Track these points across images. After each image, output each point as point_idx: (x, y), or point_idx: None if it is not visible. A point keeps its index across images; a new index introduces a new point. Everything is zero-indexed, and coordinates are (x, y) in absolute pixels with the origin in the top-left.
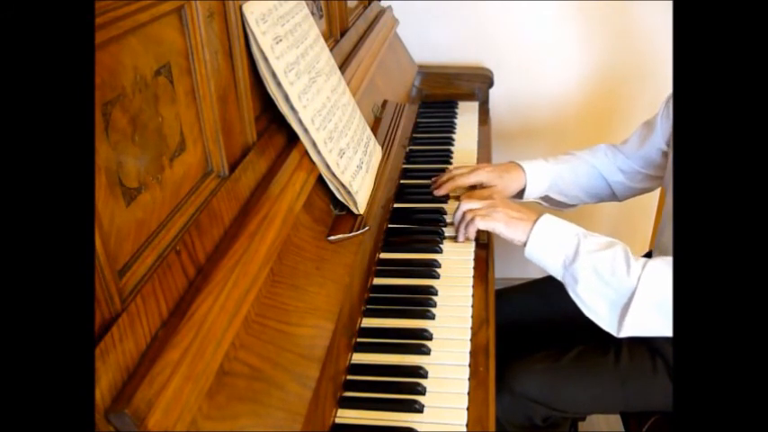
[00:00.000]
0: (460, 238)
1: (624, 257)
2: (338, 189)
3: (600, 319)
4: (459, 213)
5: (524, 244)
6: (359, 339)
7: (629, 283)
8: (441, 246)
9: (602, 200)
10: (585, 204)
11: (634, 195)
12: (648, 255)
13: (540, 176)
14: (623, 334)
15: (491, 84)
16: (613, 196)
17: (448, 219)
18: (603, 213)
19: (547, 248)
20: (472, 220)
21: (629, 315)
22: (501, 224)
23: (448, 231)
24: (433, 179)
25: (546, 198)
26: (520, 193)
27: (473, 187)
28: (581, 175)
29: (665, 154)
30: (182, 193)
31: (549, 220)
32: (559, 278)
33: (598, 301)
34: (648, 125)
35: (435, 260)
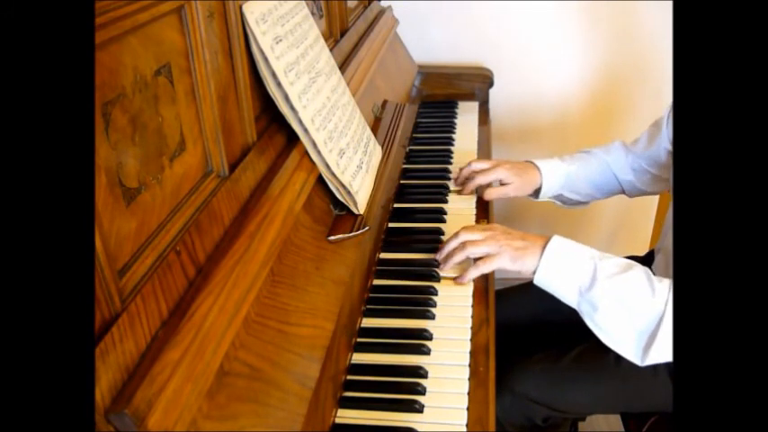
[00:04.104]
0: (448, 266)
1: (647, 280)
2: (338, 189)
3: (622, 347)
4: (456, 241)
5: (533, 272)
6: (359, 339)
7: (656, 308)
8: (440, 251)
9: (612, 195)
10: (596, 200)
11: (642, 195)
12: (650, 254)
13: (556, 176)
14: (648, 362)
15: (491, 84)
16: (622, 191)
17: (448, 219)
18: (604, 213)
19: (559, 275)
20: (476, 265)
21: (656, 342)
22: (506, 260)
23: (448, 236)
24: (454, 177)
25: (559, 196)
26: (536, 193)
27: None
28: (594, 173)
29: (670, 153)
30: (182, 194)
31: (560, 245)
32: (573, 306)
33: (621, 329)
34: (656, 125)
35: (435, 260)
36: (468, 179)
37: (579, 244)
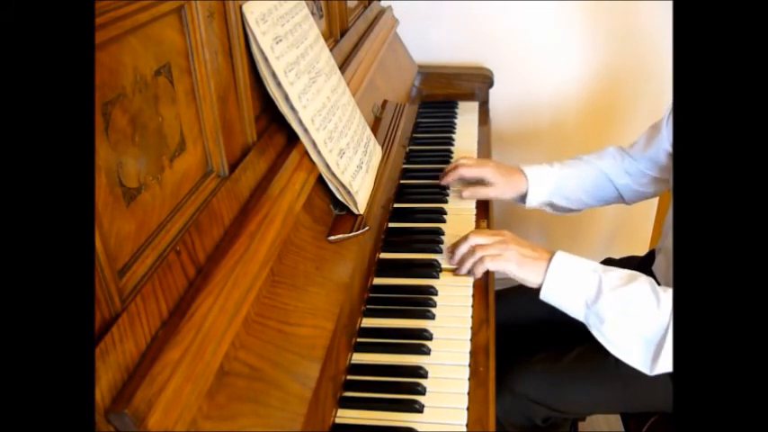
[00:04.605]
0: (463, 271)
1: (651, 290)
2: (338, 189)
3: (630, 357)
4: (465, 246)
5: (539, 286)
6: (359, 339)
7: (662, 318)
8: (441, 246)
9: (608, 203)
10: (591, 207)
11: (642, 199)
12: (650, 254)
13: (543, 183)
14: (657, 371)
15: (491, 84)
16: (621, 199)
17: (447, 219)
18: (603, 214)
19: (565, 289)
20: (481, 259)
21: (664, 351)
22: (513, 265)
23: (448, 237)
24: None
25: (549, 204)
26: (521, 199)
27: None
28: (587, 180)
29: (670, 155)
30: (182, 193)
31: (564, 259)
32: (580, 318)
33: (628, 340)
34: (655, 127)
35: (435, 260)
36: (453, 170)
37: (582, 258)
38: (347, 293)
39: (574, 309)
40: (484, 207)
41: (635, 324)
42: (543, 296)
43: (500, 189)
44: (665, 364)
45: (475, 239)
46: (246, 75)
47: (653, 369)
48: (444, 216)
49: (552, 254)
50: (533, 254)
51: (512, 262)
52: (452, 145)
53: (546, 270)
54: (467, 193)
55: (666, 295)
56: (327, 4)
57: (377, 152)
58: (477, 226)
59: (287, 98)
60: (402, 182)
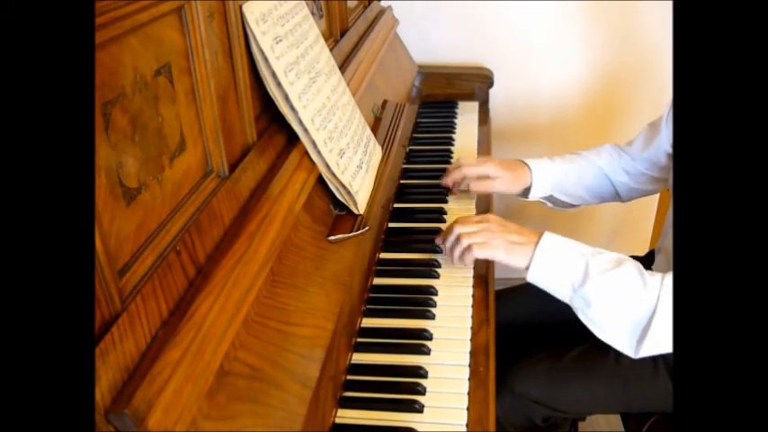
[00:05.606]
0: (454, 261)
1: (638, 274)
2: (338, 189)
3: (616, 340)
4: (452, 237)
5: (527, 268)
6: (359, 339)
7: (649, 302)
8: (441, 246)
9: (605, 200)
10: (588, 204)
11: (638, 197)
12: (650, 254)
13: (546, 176)
14: (641, 354)
15: (491, 84)
16: (617, 197)
17: (448, 219)
18: (604, 213)
19: (553, 272)
20: (469, 248)
21: (649, 335)
22: (501, 251)
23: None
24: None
25: (550, 198)
26: (525, 192)
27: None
28: (586, 176)
29: (670, 156)
30: (182, 193)
31: (551, 241)
32: (567, 301)
33: (614, 323)
34: (653, 127)
35: (435, 260)
36: (455, 169)
37: (571, 240)
38: (347, 293)
39: (560, 291)
40: (484, 207)
41: (621, 307)
42: (530, 278)
43: (505, 182)
44: (649, 348)
45: (459, 228)
46: (246, 75)
47: (637, 352)
48: (444, 216)
49: (540, 236)
50: (520, 239)
51: (500, 249)
52: (452, 145)
53: (533, 254)
54: (474, 186)
55: (653, 279)
56: (327, 4)
57: (377, 152)
58: None
59: (287, 98)
60: (402, 182)
